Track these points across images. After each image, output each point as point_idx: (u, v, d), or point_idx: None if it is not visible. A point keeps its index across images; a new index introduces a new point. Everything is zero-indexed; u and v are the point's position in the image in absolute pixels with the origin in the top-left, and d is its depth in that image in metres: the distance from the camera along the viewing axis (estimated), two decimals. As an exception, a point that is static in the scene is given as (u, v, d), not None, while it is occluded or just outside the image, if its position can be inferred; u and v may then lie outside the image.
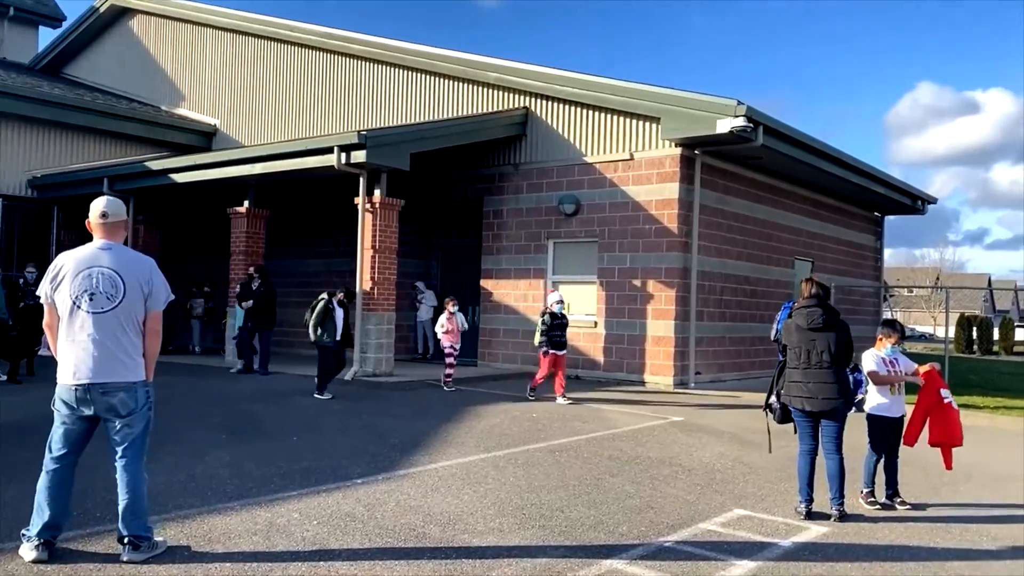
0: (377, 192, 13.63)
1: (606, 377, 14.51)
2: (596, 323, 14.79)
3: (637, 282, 14.38)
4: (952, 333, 42.37)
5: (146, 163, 16.95)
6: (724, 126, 12.93)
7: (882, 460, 6.73)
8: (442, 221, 18.10)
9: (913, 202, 20.64)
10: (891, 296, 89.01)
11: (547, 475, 7.26)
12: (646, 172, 14.35)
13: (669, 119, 13.67)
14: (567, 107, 15.25)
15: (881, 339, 6.85)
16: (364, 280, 13.60)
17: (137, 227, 17.93)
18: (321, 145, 13.62)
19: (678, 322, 14.06)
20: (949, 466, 6.88)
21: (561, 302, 12.19)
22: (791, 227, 17.47)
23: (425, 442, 8.54)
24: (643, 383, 14.14)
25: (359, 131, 13.17)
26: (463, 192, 16.76)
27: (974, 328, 42.05)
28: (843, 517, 6.11)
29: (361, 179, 13.51)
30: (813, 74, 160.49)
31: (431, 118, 16.71)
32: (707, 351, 14.84)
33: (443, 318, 12.65)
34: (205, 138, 21.30)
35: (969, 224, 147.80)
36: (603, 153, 14.84)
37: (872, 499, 6.65)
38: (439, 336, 12.78)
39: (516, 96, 15.83)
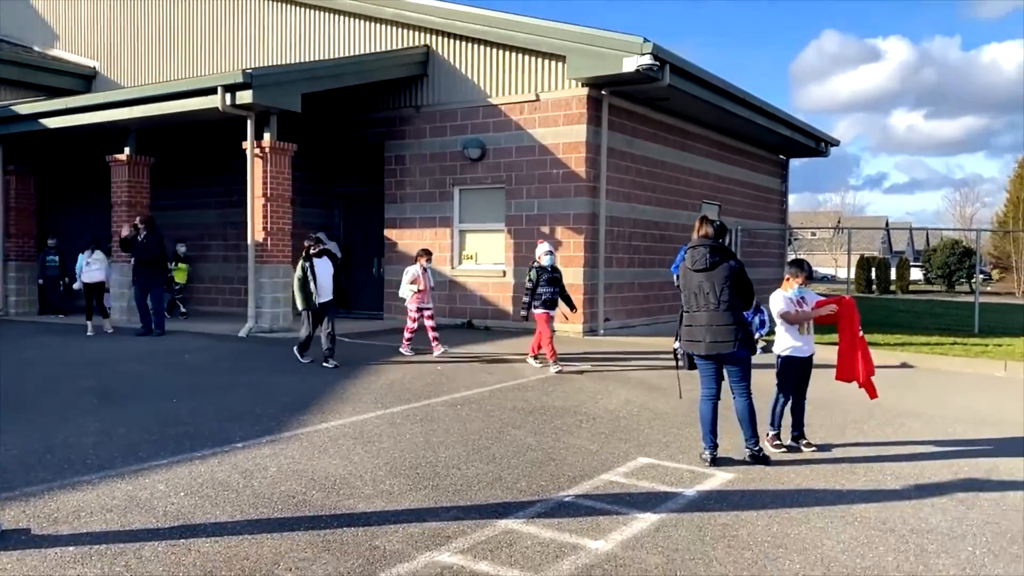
0: (267, 136, 12.77)
1: (515, 327, 14.16)
2: (504, 272, 14.39)
3: (546, 229, 14.00)
4: (853, 274, 43.93)
5: (13, 107, 15.52)
6: (630, 64, 12.53)
7: (789, 402, 6.58)
8: (344, 168, 17.28)
9: (817, 144, 20.84)
10: (795, 239, 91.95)
11: (446, 431, 6.86)
12: (553, 114, 13.87)
13: (575, 57, 13.18)
14: (470, 45, 14.58)
15: (788, 279, 6.64)
16: (256, 231, 12.80)
17: (8, 178, 16.54)
18: (204, 85, 12.63)
19: (587, 269, 13.78)
20: (874, 394, 6.76)
21: (551, 253, 10.43)
22: (699, 170, 17.35)
23: (319, 400, 8.02)
24: (553, 331, 13.83)
25: (244, 70, 12.23)
26: (363, 137, 15.97)
27: (873, 269, 43.57)
28: (756, 458, 5.92)
29: (249, 122, 12.61)
30: (722, 23, 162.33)
31: (327, 57, 15.78)
32: (617, 297, 14.65)
33: (413, 272, 10.92)
34: (84, 81, 19.72)
35: (869, 169, 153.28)
36: (509, 94, 14.28)
37: (778, 442, 6.49)
38: (404, 296, 11.03)
39: (416, 33, 15.05)
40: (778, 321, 6.37)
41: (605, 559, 4.16)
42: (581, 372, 9.99)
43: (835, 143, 21.69)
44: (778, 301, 6.43)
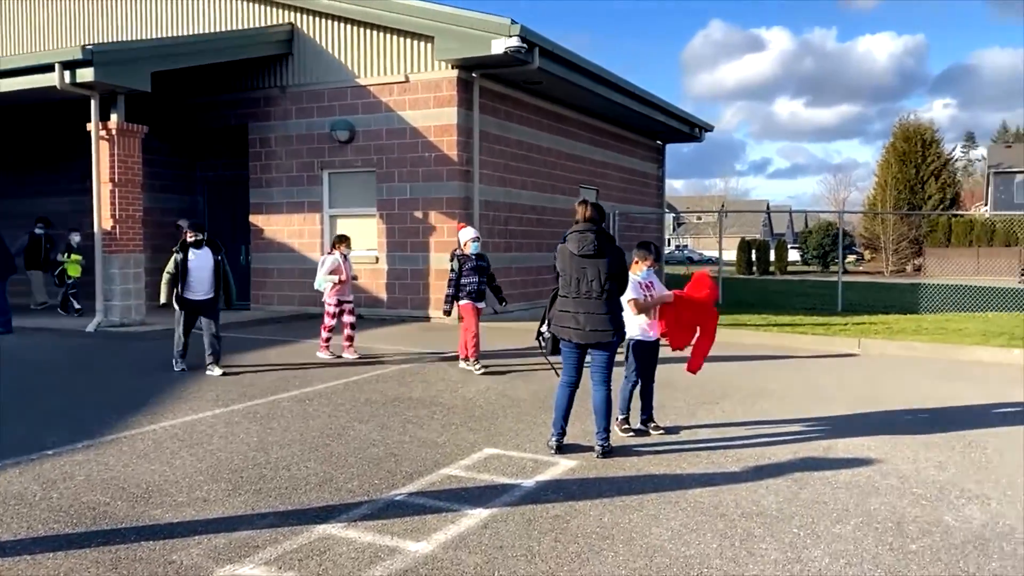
0: (114, 117, 11.92)
1: (390, 314, 13.83)
2: (377, 258, 13.99)
3: (419, 214, 13.67)
4: (734, 256, 45.43)
5: None
6: (499, 46, 12.32)
7: (638, 386, 6.51)
8: (208, 151, 16.43)
9: (691, 130, 21.23)
10: (682, 223, 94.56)
11: (286, 428, 6.48)
12: (423, 96, 13.53)
13: (443, 38, 12.86)
14: (337, 24, 14.05)
15: (637, 262, 6.56)
16: (103, 218, 11.96)
17: None
18: (40, 62, 11.66)
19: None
20: (696, 366, 6.78)
21: (478, 239, 9.44)
22: (576, 155, 17.36)
23: (155, 399, 7.48)
24: (428, 319, 13.58)
25: (84, 46, 11.36)
26: (227, 118, 15.20)
27: (753, 251, 45.14)
28: (605, 452, 5.77)
29: (93, 102, 11.75)
30: (616, 12, 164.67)
31: (188, 34, 14.91)
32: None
33: (332, 261, 9.81)
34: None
35: (754, 155, 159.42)
36: (378, 75, 13.85)
37: (627, 426, 6.42)
38: (321, 287, 9.91)
39: (280, 11, 14.39)
40: (626, 306, 6.27)
41: (423, 562, 3.93)
42: (505, 372, 9.24)
43: (709, 128, 22.15)
44: (628, 290, 6.33)
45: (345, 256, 9.96)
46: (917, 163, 47.52)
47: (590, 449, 5.86)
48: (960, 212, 45.32)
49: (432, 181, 13.51)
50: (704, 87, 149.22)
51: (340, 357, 9.86)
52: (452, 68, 13.25)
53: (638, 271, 6.51)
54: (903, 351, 11.09)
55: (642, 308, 6.35)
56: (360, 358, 9.84)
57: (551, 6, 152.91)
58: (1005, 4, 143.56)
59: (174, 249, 8.87)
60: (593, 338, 5.70)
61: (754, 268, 44.22)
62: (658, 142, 22.21)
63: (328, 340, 9.95)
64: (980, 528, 4.48)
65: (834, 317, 14.99)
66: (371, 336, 11.77)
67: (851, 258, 55.22)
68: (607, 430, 5.84)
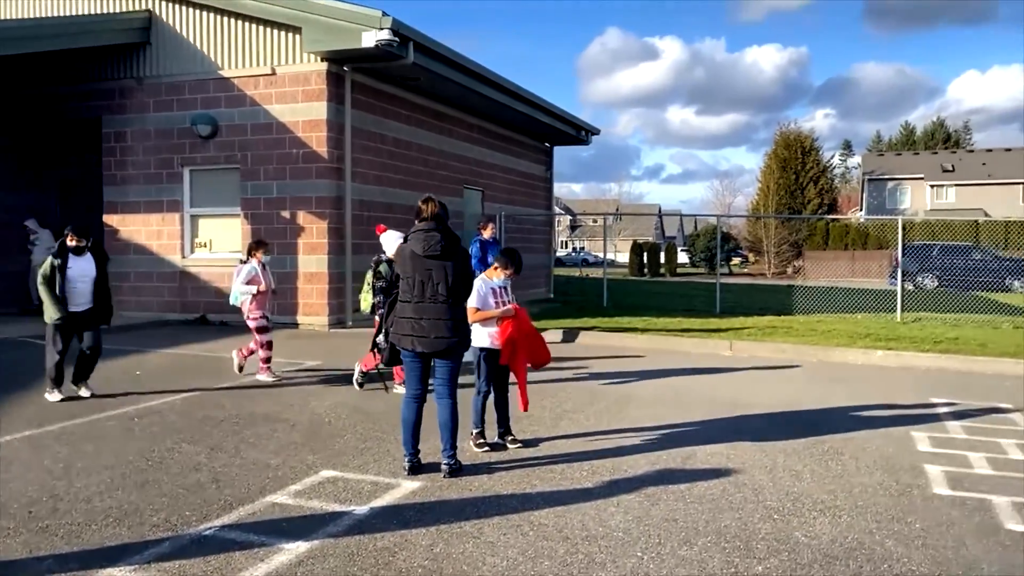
0: (-63, 104, 10.75)
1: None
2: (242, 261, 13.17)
3: (286, 214, 12.96)
4: (627, 258, 46.08)
5: None
6: (369, 39, 11.77)
7: (491, 396, 6.14)
8: (60, 147, 15.21)
9: (578, 132, 21.15)
10: (578, 226, 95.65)
11: (100, 452, 5.79)
12: (291, 89, 12.84)
13: (311, 29, 12.22)
14: (198, 12, 13.18)
15: (497, 268, 6.19)
16: (-76, 216, 10.76)
17: None
18: None
19: (332, 256, 12.91)
20: (526, 405, 6.25)
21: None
22: (459, 155, 16.95)
23: (-43, 420, 6.62)
24: (296, 325, 12.89)
25: (-102, 23, 10.19)
26: (79, 111, 14.06)
27: (644, 253, 45.89)
28: (453, 472, 5.34)
29: (-90, 87, 10.55)
30: (509, 15, 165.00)
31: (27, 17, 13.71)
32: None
33: (249, 270, 8.63)
34: None
35: (648, 160, 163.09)
36: (243, 67, 13.06)
37: (482, 440, 6.04)
38: (241, 303, 8.68)
39: (136, -4, 13.40)
40: (471, 313, 5.88)
41: (215, 612, 3.41)
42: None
43: (595, 132, 22.15)
44: (473, 295, 5.93)
45: (264, 264, 8.74)
46: (797, 169, 49.41)
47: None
48: (836, 216, 47.32)
49: (301, 179, 12.84)
50: (600, 94, 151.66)
51: (242, 371, 8.83)
52: (322, 61, 12.61)
53: (496, 277, 6.15)
54: (773, 353, 11.18)
55: (483, 318, 5.96)
56: (279, 380, 8.62)
57: (443, 5, 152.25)
58: (879, 20, 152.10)
59: (51, 254, 7.51)
60: (439, 346, 5.28)
61: (645, 270, 44.93)
62: (546, 144, 22.06)
63: (251, 352, 8.78)
64: (828, 544, 4.30)
65: (711, 319, 15.11)
66: (230, 345, 10.99)
67: (736, 261, 56.95)
68: (455, 447, 5.42)
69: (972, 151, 61.80)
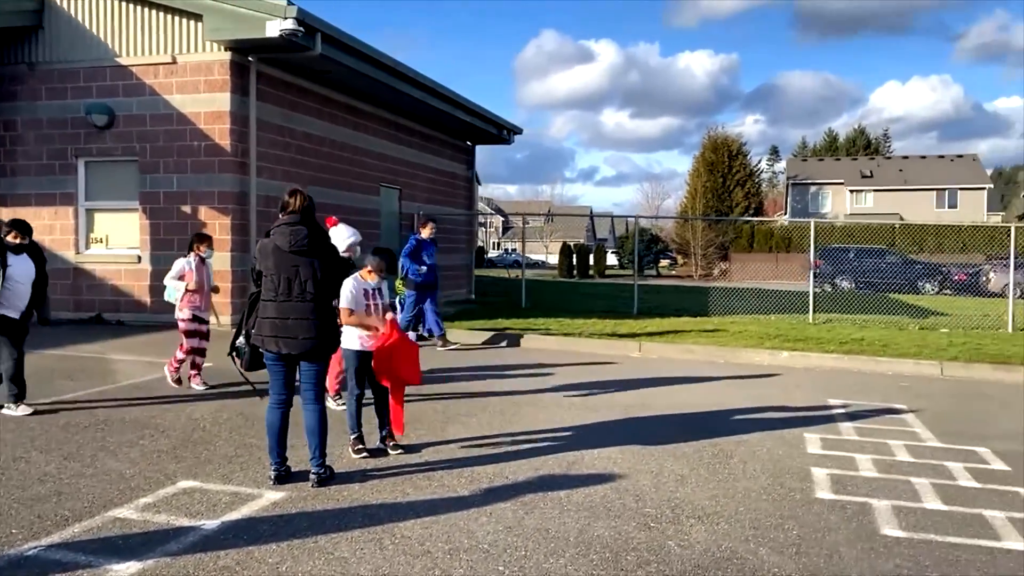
0: None
1: (155, 320, 12.41)
2: (140, 258, 12.56)
3: (187, 209, 12.40)
4: (556, 260, 46.17)
5: None
6: (274, 29, 11.31)
7: (364, 398, 5.85)
8: (-56, 134, 14.26)
9: (499, 131, 20.93)
10: (510, 227, 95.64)
11: (-63, 462, 5.31)
12: (192, 79, 12.28)
13: (212, 17, 11.69)
14: (93, -5, 12.52)
15: (370, 271, 5.90)
16: None
17: None
18: None
19: (236, 254, 12.40)
20: (400, 428, 5.97)
21: (359, 244, 7.60)
22: (376, 152, 16.55)
23: None
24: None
25: None
26: (-36, 97, 13.21)
27: (574, 255, 46.04)
28: (322, 481, 5.03)
29: None
30: (452, 17, 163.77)
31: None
32: (275, 285, 13.41)
33: (181, 265, 7.99)
34: None
35: (583, 163, 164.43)
36: (142, 54, 12.44)
37: (360, 446, 5.75)
38: (171, 299, 8.10)
39: (26, -23, 12.65)
40: (343, 314, 5.59)
41: (11, 646, 3.06)
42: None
43: (518, 131, 21.98)
44: (345, 294, 5.64)
45: (203, 259, 8.12)
46: (724, 173, 50.34)
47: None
48: (760, 219, 48.29)
49: (202, 173, 12.29)
50: (536, 96, 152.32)
51: (180, 384, 7.99)
52: (225, 50, 12.09)
53: (370, 279, 5.86)
54: (682, 354, 11.15)
55: (357, 323, 5.67)
56: (210, 388, 7.89)
57: (381, 3, 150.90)
58: (806, 30, 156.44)
59: None
60: (305, 347, 4.98)
61: (575, 272, 45.08)
62: (468, 143, 21.79)
63: (181, 362, 8.02)
64: (700, 554, 4.14)
65: (627, 320, 15.05)
66: (122, 346, 10.44)
67: (666, 262, 57.73)
68: (324, 455, 5.12)
69: (890, 158, 63.97)
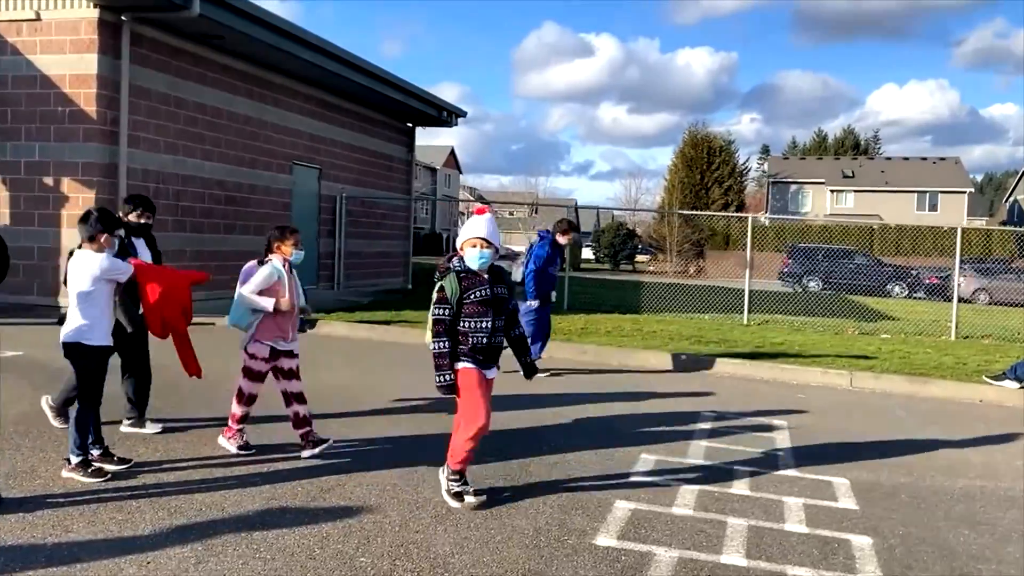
0: None
1: (12, 302, 11.37)
2: (-1, 232, 11.49)
3: (49, 180, 11.32)
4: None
5: None
6: (140, -17, 10.26)
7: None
8: None
9: (439, 113, 19.86)
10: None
11: None
12: (58, 38, 11.19)
13: (74, -32, 10.62)
14: (-47, -57, 11.41)
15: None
16: None
17: None
18: None
19: (103, 231, 11.33)
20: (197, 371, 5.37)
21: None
22: (289, 128, 15.46)
23: None
24: (59, 307, 11.27)
25: None
26: None
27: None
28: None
29: None
30: (451, 6, 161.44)
31: None
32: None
33: (267, 273, 5.25)
34: None
35: (579, 157, 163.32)
36: (3, 9, 11.35)
37: (83, 467, 4.70)
38: (243, 326, 5.34)
39: None
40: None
41: None
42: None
43: (461, 114, 20.90)
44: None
45: (291, 265, 5.38)
46: (703, 169, 49.28)
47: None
48: (735, 215, 47.26)
49: (67, 142, 11.22)
50: (534, 87, 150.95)
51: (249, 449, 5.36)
52: (94, 7, 11.00)
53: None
54: (575, 355, 10.16)
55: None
56: (250, 453, 5.33)
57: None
58: (806, 31, 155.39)
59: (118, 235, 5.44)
60: None
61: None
62: (408, 125, 20.70)
63: (241, 425, 5.37)
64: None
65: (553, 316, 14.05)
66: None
67: (645, 258, 56.80)
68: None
69: (872, 159, 63.00)
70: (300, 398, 5.35)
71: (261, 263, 5.31)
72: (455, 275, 4.51)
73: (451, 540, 4.05)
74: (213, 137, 13.41)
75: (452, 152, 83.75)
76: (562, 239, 9.10)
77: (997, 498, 5.25)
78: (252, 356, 5.29)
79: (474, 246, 4.48)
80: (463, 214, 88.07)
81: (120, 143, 11.43)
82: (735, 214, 49.46)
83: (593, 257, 55.07)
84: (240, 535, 3.95)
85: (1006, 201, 68.62)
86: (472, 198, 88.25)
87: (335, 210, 17.09)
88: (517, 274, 8.76)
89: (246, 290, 5.23)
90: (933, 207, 54.21)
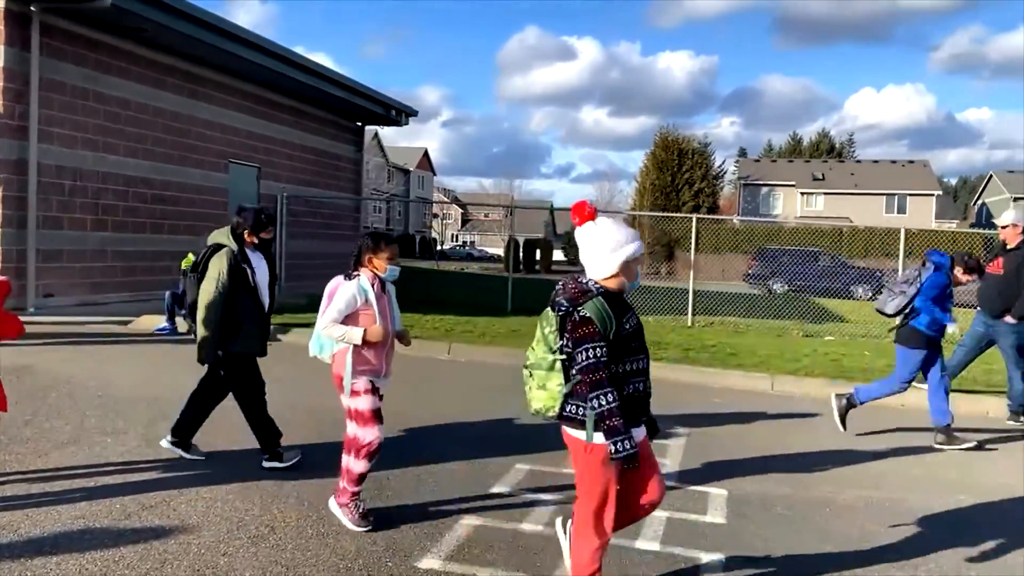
0: None
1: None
2: (-98, 231, 11.01)
3: (-47, 177, 10.86)
4: (503, 253, 44.83)
5: None
6: (42, -30, 9.84)
7: None
8: None
9: (388, 112, 19.49)
10: (469, 220, 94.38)
11: None
12: (-37, 29, 10.74)
13: (-26, -45, 10.18)
14: None
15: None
16: None
17: None
18: None
19: (10, 231, 10.88)
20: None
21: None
22: (223, 125, 15.04)
23: None
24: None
25: None
26: None
27: (520, 250, 44.87)
28: None
29: None
30: (437, 10, 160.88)
31: None
32: (71, 268, 11.90)
33: (352, 293, 4.31)
34: None
35: (560, 159, 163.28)
36: (-94, -1, 10.88)
37: None
38: (324, 356, 4.68)
39: None
40: None
41: None
42: None
43: (412, 113, 20.55)
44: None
45: (383, 283, 4.46)
46: (673, 171, 49.15)
47: None
48: (706, 216, 47.17)
49: (-30, 137, 10.77)
50: (517, 90, 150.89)
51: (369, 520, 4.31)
52: (0, -3, 10.58)
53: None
54: (501, 359, 9.82)
55: None
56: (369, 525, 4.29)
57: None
58: (786, 35, 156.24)
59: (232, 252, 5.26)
60: None
61: (521, 266, 43.88)
62: (357, 124, 20.30)
63: (357, 491, 4.34)
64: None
65: (491, 317, 13.75)
66: None
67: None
68: None
69: (843, 162, 63.11)
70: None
71: (348, 277, 4.35)
72: (602, 299, 3.32)
73: (256, 564, 3.70)
74: (137, 133, 12.98)
75: (426, 154, 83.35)
76: (963, 277, 6.93)
77: (879, 510, 4.97)
78: (356, 393, 4.32)
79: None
80: (436, 216, 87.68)
81: (30, 138, 10.99)
82: (704, 215, 49.43)
83: (565, 258, 54.94)
84: (15, 563, 3.58)
85: (974, 204, 69.16)
86: (447, 199, 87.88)
87: (276, 210, 16.65)
88: (891, 305, 7.07)
89: (326, 318, 4.30)
90: (902, 210, 54.38)
